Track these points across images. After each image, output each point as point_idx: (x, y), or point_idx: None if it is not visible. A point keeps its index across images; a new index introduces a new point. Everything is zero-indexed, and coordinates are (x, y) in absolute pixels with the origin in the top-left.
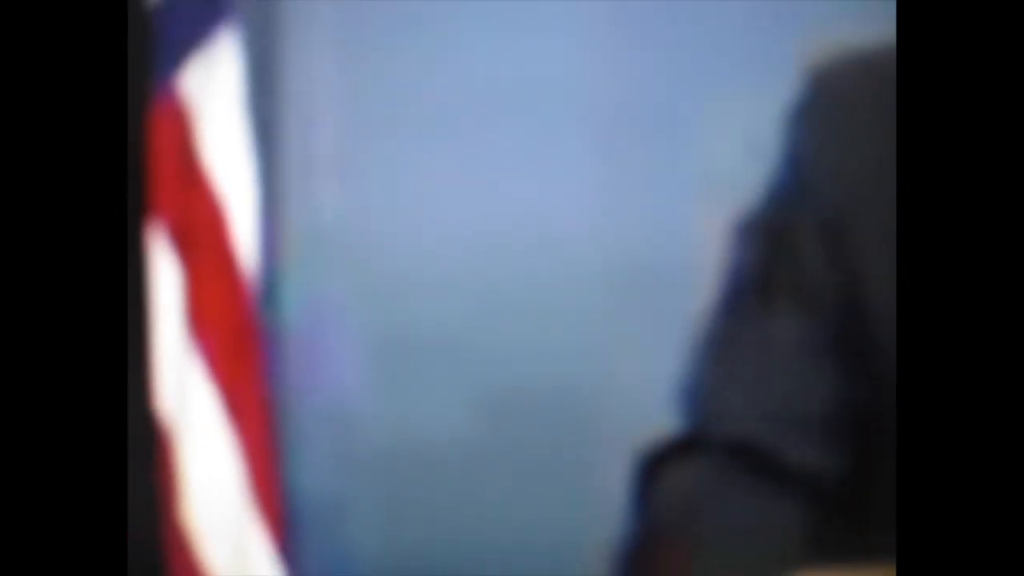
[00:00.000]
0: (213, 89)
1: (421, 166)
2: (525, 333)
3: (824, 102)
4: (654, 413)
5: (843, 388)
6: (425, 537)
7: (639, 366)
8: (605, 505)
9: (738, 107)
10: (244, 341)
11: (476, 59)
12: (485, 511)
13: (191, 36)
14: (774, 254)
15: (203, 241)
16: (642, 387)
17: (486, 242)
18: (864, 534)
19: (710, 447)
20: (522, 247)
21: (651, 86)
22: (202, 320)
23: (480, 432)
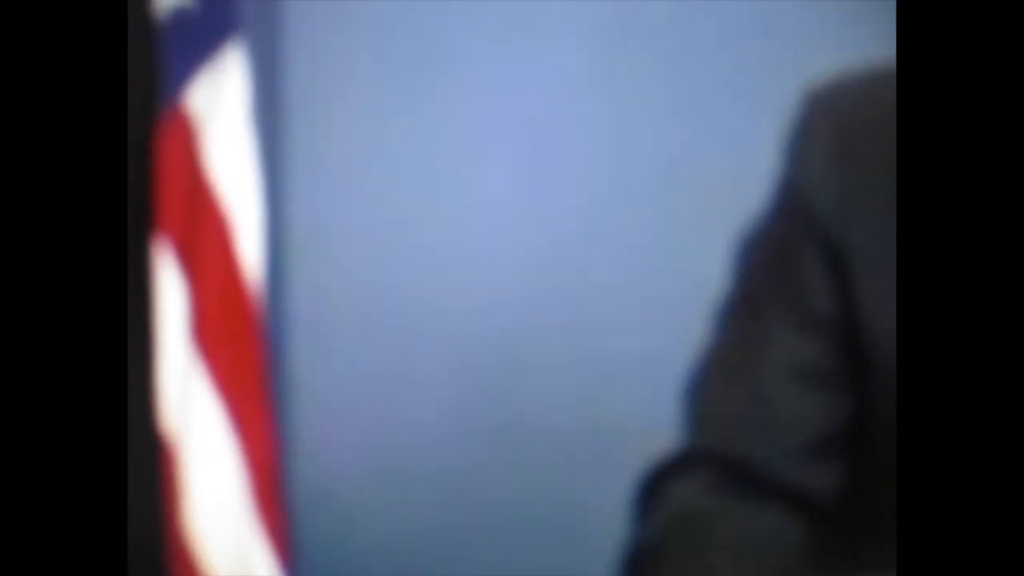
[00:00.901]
0: (220, 105)
1: (428, 179)
2: (529, 341)
3: (823, 122)
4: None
5: (840, 407)
6: (430, 544)
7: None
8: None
9: (737, 127)
10: (249, 355)
11: (480, 69)
12: (488, 509)
13: (198, 52)
14: (774, 272)
15: (209, 255)
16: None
17: (487, 255)
18: (858, 553)
19: (708, 463)
20: (523, 262)
21: (648, 106)
22: (207, 334)
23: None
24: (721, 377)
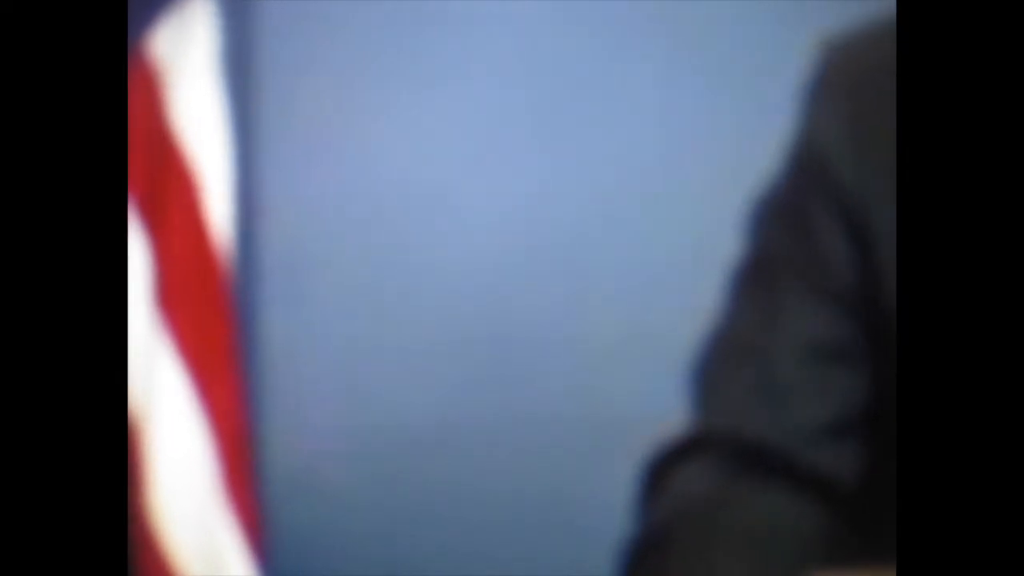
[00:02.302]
0: (186, 53)
1: (408, 138)
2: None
3: (838, 79)
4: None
5: (858, 385)
6: (401, 521)
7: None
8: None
9: (747, 90)
10: (216, 323)
11: (468, 24)
12: (466, 490)
13: None
14: (788, 239)
15: (174, 214)
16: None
17: (473, 219)
18: (876, 538)
19: (718, 446)
20: (513, 232)
21: (656, 70)
22: (172, 299)
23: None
24: (732, 355)
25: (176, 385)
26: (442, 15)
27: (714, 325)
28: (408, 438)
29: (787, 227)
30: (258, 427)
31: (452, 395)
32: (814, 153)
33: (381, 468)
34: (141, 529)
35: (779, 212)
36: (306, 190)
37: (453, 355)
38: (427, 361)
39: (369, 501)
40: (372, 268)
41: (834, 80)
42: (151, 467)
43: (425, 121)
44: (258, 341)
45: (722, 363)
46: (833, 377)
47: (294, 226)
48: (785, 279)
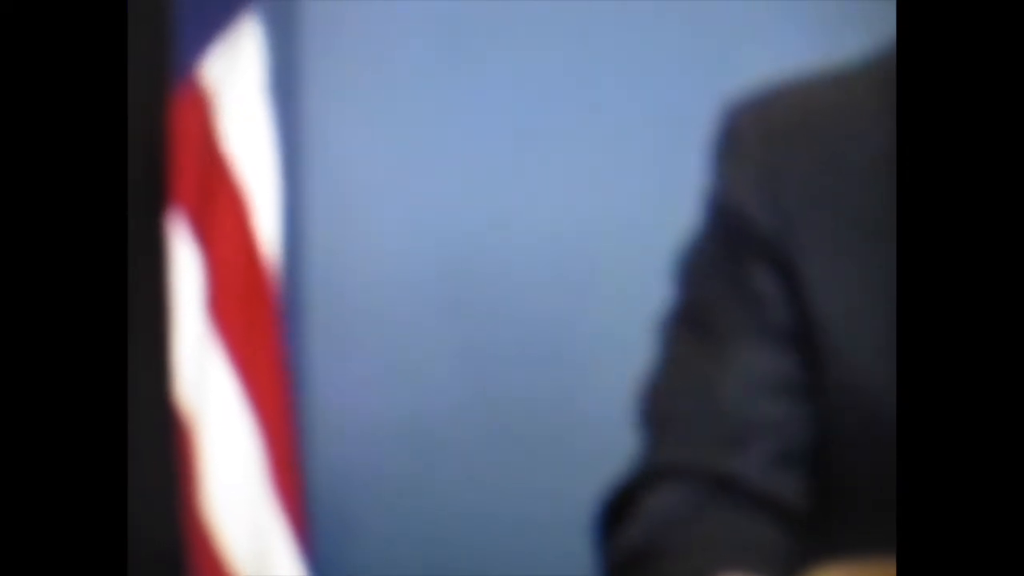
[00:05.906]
0: (235, 77)
1: (451, 150)
2: (521, 317)
3: (747, 136)
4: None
5: (805, 417)
6: (445, 514)
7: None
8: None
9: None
10: (265, 330)
11: (498, 40)
12: (501, 485)
13: (213, 23)
14: (724, 286)
15: (224, 229)
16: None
17: (497, 232)
18: (837, 556)
19: (684, 475)
20: (518, 245)
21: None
22: (223, 309)
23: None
24: (682, 394)
25: (226, 387)
26: (483, 20)
27: (656, 366)
28: (451, 433)
29: (719, 274)
30: (304, 426)
31: (493, 390)
32: (732, 206)
33: (424, 462)
34: (194, 525)
35: (709, 261)
36: (351, 204)
37: (494, 351)
38: (468, 357)
39: (412, 495)
40: (412, 273)
41: (743, 138)
42: (203, 466)
43: (468, 137)
44: (303, 344)
45: (672, 403)
46: (781, 409)
47: (338, 238)
48: (724, 320)
